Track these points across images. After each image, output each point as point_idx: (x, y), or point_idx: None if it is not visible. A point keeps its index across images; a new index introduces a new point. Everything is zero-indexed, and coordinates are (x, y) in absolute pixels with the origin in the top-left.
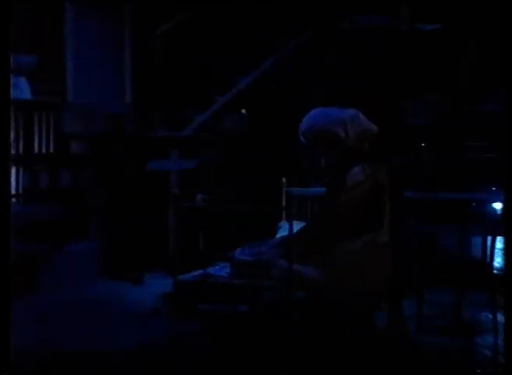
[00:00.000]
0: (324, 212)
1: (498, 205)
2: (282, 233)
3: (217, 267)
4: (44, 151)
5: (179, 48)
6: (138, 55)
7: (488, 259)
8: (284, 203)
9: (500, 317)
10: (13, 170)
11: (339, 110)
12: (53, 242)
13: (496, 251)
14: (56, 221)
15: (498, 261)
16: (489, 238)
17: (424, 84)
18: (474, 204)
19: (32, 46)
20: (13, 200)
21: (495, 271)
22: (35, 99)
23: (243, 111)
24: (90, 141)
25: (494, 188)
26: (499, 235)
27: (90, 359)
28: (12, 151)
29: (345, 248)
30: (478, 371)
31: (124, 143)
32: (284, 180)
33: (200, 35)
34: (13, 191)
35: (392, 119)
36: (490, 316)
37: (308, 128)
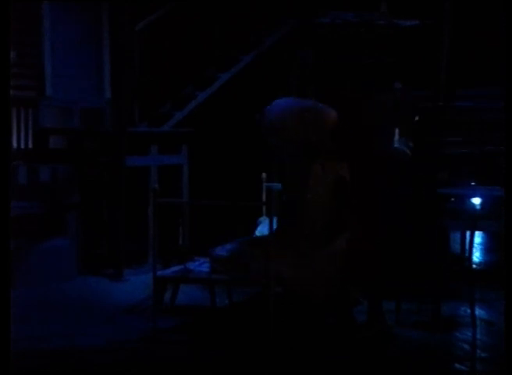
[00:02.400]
0: (291, 211)
1: (476, 200)
2: (262, 228)
3: (196, 262)
4: (22, 146)
5: (158, 44)
6: (117, 50)
7: (466, 254)
8: (264, 198)
9: (479, 311)
10: None
11: (299, 100)
12: (31, 238)
13: (475, 245)
14: (34, 217)
15: (477, 255)
16: (468, 233)
17: (400, 80)
18: (452, 199)
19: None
20: None
21: (473, 265)
22: (13, 95)
23: None
24: (69, 137)
25: (473, 183)
26: (478, 230)
27: (64, 357)
28: None
29: (319, 249)
30: (456, 365)
31: (103, 138)
32: (264, 175)
33: (179, 31)
34: None
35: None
36: (468, 310)
37: (278, 118)
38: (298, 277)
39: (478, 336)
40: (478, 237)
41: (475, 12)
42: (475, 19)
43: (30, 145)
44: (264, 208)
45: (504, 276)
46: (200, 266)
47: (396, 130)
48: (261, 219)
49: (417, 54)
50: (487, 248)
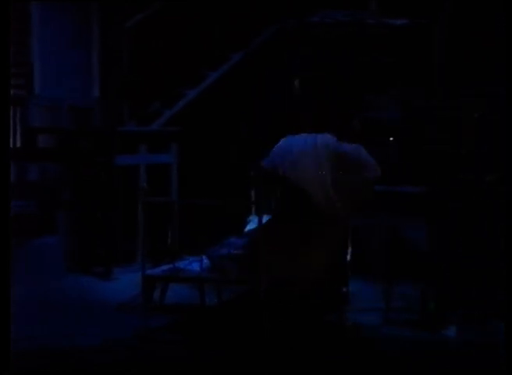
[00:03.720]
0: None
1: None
2: (252, 226)
3: (186, 261)
4: (11, 145)
5: (147, 42)
6: (105, 49)
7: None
8: (253, 197)
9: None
10: None
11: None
12: (20, 237)
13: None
14: (24, 216)
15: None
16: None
17: (390, 79)
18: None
19: None
20: None
21: None
22: None
23: None
24: (58, 135)
25: None
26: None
27: (54, 356)
28: None
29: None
30: (442, 362)
31: (92, 137)
32: (253, 174)
33: (169, 29)
34: None
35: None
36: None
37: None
38: (291, 272)
39: (466, 333)
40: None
41: (467, 11)
42: (467, 17)
43: (19, 144)
44: (253, 207)
45: (504, 278)
46: (190, 264)
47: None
48: (251, 217)
49: (408, 53)
50: None
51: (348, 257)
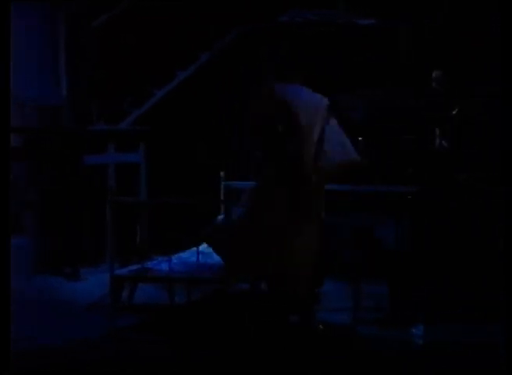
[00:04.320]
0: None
1: None
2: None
3: (155, 261)
4: None
5: (116, 41)
6: (73, 47)
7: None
8: (222, 197)
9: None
10: None
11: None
12: None
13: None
14: None
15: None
16: None
17: (359, 78)
18: (409, 197)
19: None
20: None
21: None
22: None
23: None
24: (26, 134)
25: None
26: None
27: (21, 357)
28: None
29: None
30: (412, 361)
31: (60, 136)
32: (222, 174)
33: (137, 28)
34: None
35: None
36: None
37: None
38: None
39: (432, 331)
40: None
41: (435, 10)
42: (434, 16)
43: None
44: (222, 207)
45: (504, 275)
46: (159, 264)
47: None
48: (220, 217)
49: (376, 52)
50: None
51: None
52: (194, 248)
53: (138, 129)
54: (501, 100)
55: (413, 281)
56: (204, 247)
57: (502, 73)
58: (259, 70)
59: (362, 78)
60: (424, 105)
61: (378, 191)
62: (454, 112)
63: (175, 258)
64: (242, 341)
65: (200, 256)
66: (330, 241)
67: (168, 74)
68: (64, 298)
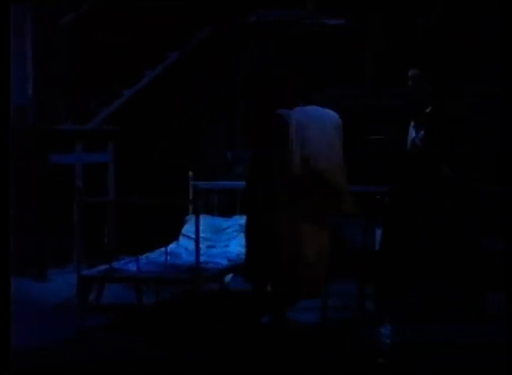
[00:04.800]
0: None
1: None
2: (190, 226)
3: (122, 261)
4: None
5: (84, 40)
6: (39, 46)
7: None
8: (191, 196)
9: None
10: None
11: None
12: None
13: None
14: None
15: None
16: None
17: (328, 78)
18: (378, 196)
19: None
20: None
21: None
22: None
23: None
24: None
25: None
26: None
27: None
28: None
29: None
30: (380, 360)
31: (26, 135)
32: (191, 173)
33: (106, 28)
34: None
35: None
36: None
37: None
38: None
39: (400, 330)
40: None
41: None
42: (403, 17)
43: None
44: (190, 207)
45: (504, 276)
46: (126, 264)
47: None
48: (188, 217)
49: (344, 52)
50: None
51: None
52: (163, 249)
53: (106, 128)
54: (501, 100)
55: (382, 281)
56: (172, 247)
57: (502, 73)
58: (228, 70)
59: (331, 78)
60: (397, 104)
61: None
62: (428, 110)
63: (143, 258)
64: (214, 340)
65: (168, 256)
66: None
67: (137, 74)
68: (31, 298)
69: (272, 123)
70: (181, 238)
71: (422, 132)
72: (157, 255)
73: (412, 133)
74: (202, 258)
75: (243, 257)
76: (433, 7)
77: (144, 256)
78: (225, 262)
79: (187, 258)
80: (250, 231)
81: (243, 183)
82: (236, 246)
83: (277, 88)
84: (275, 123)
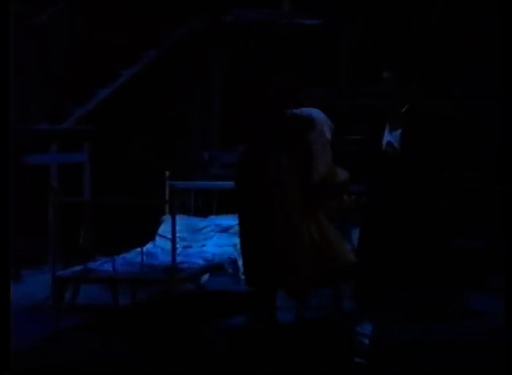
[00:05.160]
0: None
1: None
2: (166, 226)
3: (98, 262)
4: None
5: (57, 40)
6: (12, 45)
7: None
8: (167, 197)
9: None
10: None
11: None
12: None
13: None
14: None
15: None
16: None
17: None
18: (353, 196)
19: None
20: None
21: None
22: None
23: None
24: None
25: None
26: None
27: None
28: None
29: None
30: (357, 359)
31: None
32: (167, 173)
33: (78, 27)
34: None
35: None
36: None
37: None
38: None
39: (376, 330)
40: None
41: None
42: (378, 17)
43: None
44: (167, 207)
45: (504, 277)
46: (102, 265)
47: None
48: (164, 217)
49: (320, 52)
50: None
51: None
52: (139, 249)
53: (81, 128)
54: (501, 100)
55: (361, 280)
56: (149, 247)
57: (501, 72)
58: (204, 69)
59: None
60: (370, 104)
61: None
62: (404, 110)
63: (119, 258)
64: (192, 341)
65: (144, 257)
66: None
67: (113, 73)
68: None
69: (290, 124)
70: (157, 238)
71: (398, 132)
72: (133, 256)
73: (387, 136)
74: (178, 259)
75: (222, 257)
76: (430, 7)
77: (120, 257)
78: (201, 262)
79: (164, 258)
80: (246, 234)
81: (225, 183)
82: (213, 246)
83: (264, 88)
84: (293, 124)
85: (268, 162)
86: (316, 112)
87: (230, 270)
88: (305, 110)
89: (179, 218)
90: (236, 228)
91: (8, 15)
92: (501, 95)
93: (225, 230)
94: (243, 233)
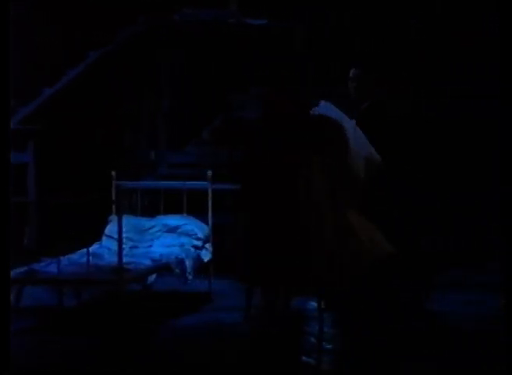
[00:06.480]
0: None
1: None
2: (113, 227)
3: (43, 263)
4: None
5: None
6: None
7: None
8: (114, 196)
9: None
10: None
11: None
12: None
13: None
14: None
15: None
16: None
17: (252, 78)
18: None
19: None
20: None
21: None
22: None
23: None
24: None
25: None
26: None
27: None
28: None
29: None
30: (304, 358)
31: None
32: (113, 173)
33: (23, 25)
34: None
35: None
36: (315, 304)
37: None
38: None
39: (325, 329)
40: None
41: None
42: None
43: None
44: (114, 207)
45: (504, 279)
46: (47, 266)
47: None
48: (111, 217)
49: (269, 52)
50: None
51: None
52: (84, 249)
53: (25, 128)
54: (500, 100)
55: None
56: (95, 247)
57: (500, 72)
58: (152, 69)
59: (256, 78)
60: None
61: None
62: (363, 107)
63: (64, 259)
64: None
65: (90, 257)
66: (224, 240)
67: (58, 72)
68: None
69: (324, 126)
70: (104, 239)
71: None
72: (79, 256)
73: None
74: (125, 259)
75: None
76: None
77: (65, 257)
78: (148, 263)
79: (110, 258)
80: (256, 232)
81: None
82: (160, 246)
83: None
84: (327, 126)
85: (293, 163)
86: (331, 112)
87: (177, 270)
88: (322, 111)
89: (125, 218)
90: (184, 228)
91: (9, 15)
92: (500, 95)
93: (172, 230)
94: (253, 232)
